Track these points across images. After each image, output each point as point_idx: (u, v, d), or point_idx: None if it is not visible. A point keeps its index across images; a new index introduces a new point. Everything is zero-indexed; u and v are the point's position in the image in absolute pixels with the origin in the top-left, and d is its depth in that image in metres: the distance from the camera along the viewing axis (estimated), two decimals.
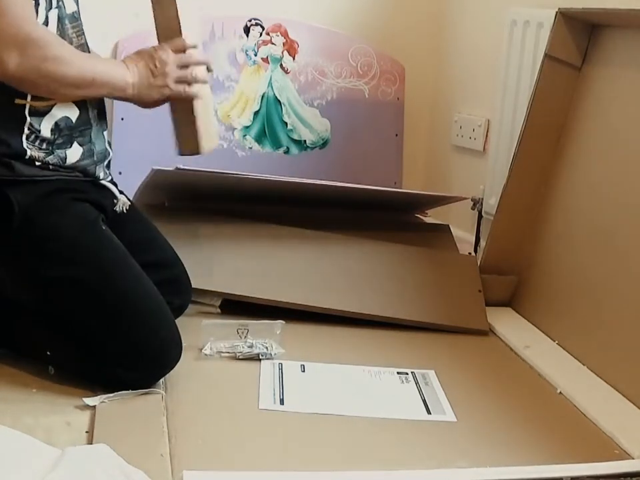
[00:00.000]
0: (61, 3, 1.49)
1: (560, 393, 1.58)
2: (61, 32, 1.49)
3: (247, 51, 2.37)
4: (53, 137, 1.47)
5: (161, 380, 1.46)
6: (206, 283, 1.79)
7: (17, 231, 1.43)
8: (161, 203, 1.95)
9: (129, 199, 1.65)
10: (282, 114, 2.40)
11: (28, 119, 1.44)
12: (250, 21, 2.37)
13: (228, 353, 1.63)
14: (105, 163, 1.59)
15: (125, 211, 1.61)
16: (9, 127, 1.44)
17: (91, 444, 1.24)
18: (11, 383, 1.44)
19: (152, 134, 2.11)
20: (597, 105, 1.86)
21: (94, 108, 1.55)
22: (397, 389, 1.56)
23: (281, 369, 1.59)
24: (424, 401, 1.51)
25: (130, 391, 1.40)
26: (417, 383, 1.59)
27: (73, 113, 1.50)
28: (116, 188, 1.62)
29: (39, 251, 1.43)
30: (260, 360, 1.62)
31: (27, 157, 1.44)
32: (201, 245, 1.71)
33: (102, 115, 1.59)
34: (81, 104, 1.51)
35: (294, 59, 2.40)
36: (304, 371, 1.60)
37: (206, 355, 1.61)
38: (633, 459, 1.34)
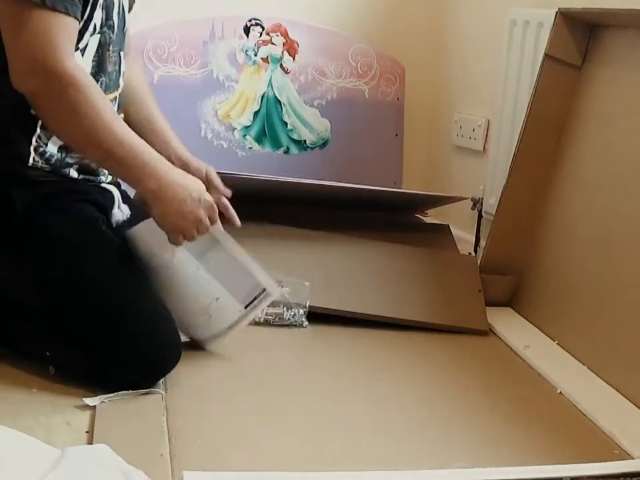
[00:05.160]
0: (106, 28, 1.46)
1: (560, 393, 1.58)
2: (99, 59, 1.46)
3: (247, 50, 2.37)
4: (60, 155, 1.46)
5: (161, 380, 1.46)
6: None
7: (18, 231, 1.43)
8: None
9: (132, 206, 1.61)
10: (282, 114, 2.40)
11: (38, 130, 1.43)
12: (250, 20, 2.37)
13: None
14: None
15: (124, 220, 1.59)
16: (19, 132, 1.43)
17: (91, 444, 1.24)
18: (11, 383, 1.43)
19: None
20: (596, 105, 1.86)
21: None
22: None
23: None
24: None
25: (130, 391, 1.40)
26: None
27: None
28: (119, 192, 1.60)
29: (39, 252, 1.43)
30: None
31: (30, 165, 1.44)
32: None
33: None
34: None
35: (294, 59, 2.40)
36: None
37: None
38: (633, 458, 1.34)
